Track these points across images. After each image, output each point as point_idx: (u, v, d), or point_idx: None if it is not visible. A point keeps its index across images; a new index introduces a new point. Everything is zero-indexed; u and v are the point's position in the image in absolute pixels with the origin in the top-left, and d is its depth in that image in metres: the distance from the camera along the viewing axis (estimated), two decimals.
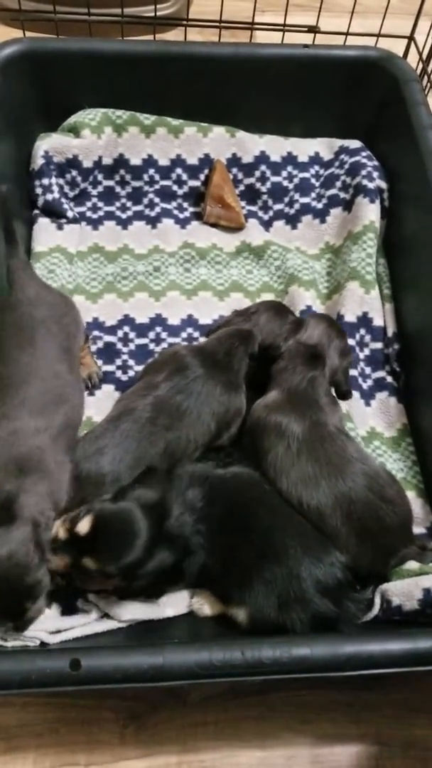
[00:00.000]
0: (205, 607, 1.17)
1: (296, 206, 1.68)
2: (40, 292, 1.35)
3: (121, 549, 1.06)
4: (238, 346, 1.33)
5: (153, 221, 1.66)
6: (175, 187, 1.70)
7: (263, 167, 1.69)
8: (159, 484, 1.12)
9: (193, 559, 1.12)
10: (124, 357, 1.48)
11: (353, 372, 1.45)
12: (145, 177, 1.69)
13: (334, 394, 1.32)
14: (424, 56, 1.73)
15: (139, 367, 1.44)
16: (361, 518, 1.16)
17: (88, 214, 1.67)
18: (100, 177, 1.69)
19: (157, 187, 1.69)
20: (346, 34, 1.73)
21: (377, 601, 1.15)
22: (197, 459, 1.25)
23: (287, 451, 1.19)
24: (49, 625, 1.10)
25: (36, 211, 1.61)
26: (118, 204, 1.69)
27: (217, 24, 1.74)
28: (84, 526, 1.06)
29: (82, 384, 1.30)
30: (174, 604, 1.18)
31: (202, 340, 1.50)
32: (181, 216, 1.69)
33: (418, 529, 1.28)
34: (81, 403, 1.27)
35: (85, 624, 1.11)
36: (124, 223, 1.67)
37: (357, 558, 1.15)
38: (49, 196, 1.60)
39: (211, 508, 1.14)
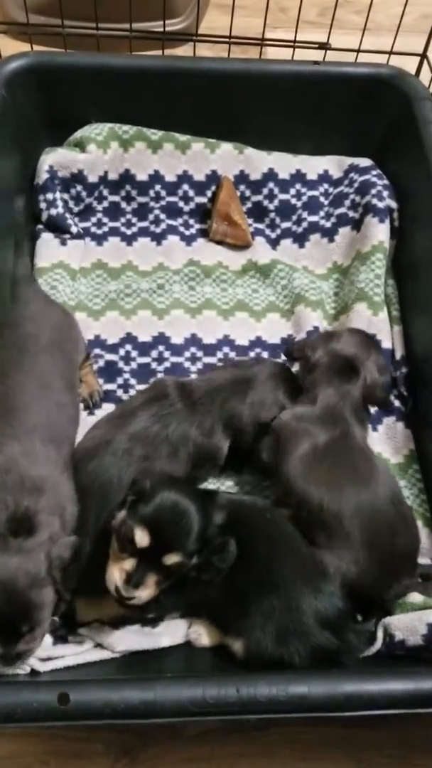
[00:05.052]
0: (202, 637, 1.13)
1: (304, 225, 1.65)
2: (42, 309, 1.32)
3: (187, 525, 1.02)
4: (223, 391, 1.27)
5: (158, 238, 1.64)
6: (181, 204, 1.67)
7: (271, 185, 1.66)
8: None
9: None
10: (126, 376, 1.45)
11: None
12: (151, 193, 1.66)
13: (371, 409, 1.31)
14: None
15: (141, 387, 1.41)
16: (377, 529, 1.12)
17: (93, 229, 1.65)
18: (105, 192, 1.66)
19: (163, 203, 1.67)
20: (358, 51, 1.70)
21: (380, 635, 1.12)
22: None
23: (311, 455, 1.16)
24: (41, 652, 1.06)
25: (39, 226, 1.59)
26: (123, 220, 1.67)
27: (227, 40, 1.71)
28: (142, 538, 1.00)
29: (79, 417, 1.28)
30: (170, 633, 1.15)
31: (206, 360, 1.48)
32: (187, 233, 1.66)
33: (423, 560, 1.24)
34: (75, 436, 1.25)
35: (78, 654, 1.08)
36: (129, 240, 1.64)
37: (363, 574, 1.11)
38: (53, 211, 1.58)
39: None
